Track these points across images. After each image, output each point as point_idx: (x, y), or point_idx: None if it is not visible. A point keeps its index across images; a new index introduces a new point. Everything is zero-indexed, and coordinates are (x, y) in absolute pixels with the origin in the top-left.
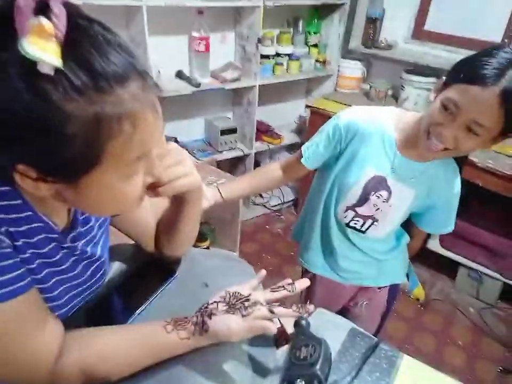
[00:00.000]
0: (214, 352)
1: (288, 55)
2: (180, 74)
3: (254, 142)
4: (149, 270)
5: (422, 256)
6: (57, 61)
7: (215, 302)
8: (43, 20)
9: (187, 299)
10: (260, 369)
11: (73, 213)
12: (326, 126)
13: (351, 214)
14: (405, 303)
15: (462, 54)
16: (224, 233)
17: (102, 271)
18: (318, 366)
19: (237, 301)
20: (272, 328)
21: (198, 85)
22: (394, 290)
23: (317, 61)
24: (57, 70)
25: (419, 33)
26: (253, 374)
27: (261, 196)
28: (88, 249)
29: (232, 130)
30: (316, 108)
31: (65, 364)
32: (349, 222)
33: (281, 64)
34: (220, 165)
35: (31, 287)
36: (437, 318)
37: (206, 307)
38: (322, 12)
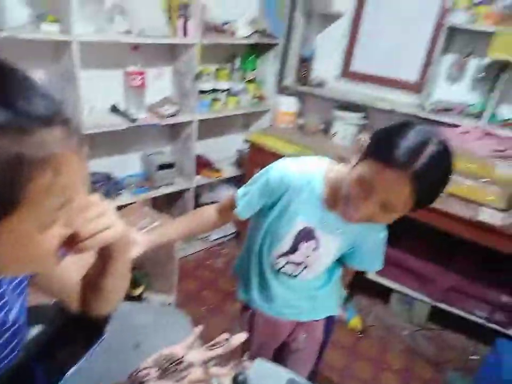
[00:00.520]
0: None
1: (226, 90)
2: (114, 109)
3: (193, 177)
4: (73, 331)
5: (358, 284)
6: None
7: (146, 367)
8: None
9: (116, 363)
10: None
11: None
12: (260, 177)
13: (283, 260)
14: (342, 331)
15: (384, 92)
16: (160, 274)
17: (17, 339)
18: None
19: (170, 364)
20: None
21: (134, 120)
22: (330, 322)
23: (254, 96)
24: None
25: (346, 73)
26: None
27: None
28: None
29: (170, 165)
30: (254, 142)
31: None
32: (281, 268)
33: (219, 99)
34: (157, 200)
35: None
36: (373, 344)
37: (137, 374)
38: (258, 49)
